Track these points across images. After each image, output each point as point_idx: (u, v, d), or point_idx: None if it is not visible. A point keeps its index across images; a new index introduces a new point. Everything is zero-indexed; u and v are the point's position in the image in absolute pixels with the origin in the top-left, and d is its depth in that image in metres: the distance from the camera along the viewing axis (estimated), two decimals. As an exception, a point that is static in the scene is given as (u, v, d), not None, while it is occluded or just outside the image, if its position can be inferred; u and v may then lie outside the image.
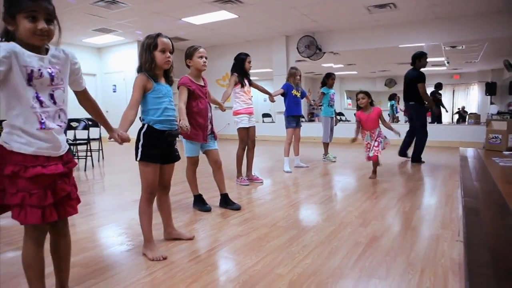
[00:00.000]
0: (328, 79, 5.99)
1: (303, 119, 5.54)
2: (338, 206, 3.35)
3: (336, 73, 6.28)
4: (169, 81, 2.34)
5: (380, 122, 4.42)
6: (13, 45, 1.32)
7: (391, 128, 4.50)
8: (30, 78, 1.35)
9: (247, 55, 4.23)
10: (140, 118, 2.29)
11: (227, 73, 10.64)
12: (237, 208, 3.22)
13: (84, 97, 1.69)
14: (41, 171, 1.38)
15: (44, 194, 1.40)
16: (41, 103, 1.39)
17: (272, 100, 4.77)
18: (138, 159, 2.22)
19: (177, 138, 2.42)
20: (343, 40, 9.00)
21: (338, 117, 6.73)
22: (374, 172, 4.54)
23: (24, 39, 1.36)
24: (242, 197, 3.70)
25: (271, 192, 3.96)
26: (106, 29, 8.59)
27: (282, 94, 5.15)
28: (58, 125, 1.46)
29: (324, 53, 9.31)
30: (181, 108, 2.91)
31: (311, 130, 9.04)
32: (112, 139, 1.94)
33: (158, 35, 2.23)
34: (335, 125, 6.24)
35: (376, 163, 4.50)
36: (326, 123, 6.02)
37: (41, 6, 1.36)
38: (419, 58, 5.54)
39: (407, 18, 7.82)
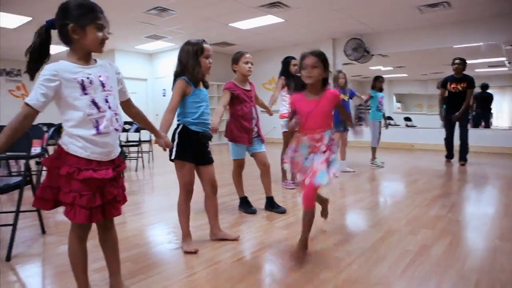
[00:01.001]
0: (376, 82, 5.86)
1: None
2: (386, 212, 3.26)
3: (384, 76, 6.12)
4: (206, 85, 2.42)
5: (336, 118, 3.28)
6: (57, 64, 1.44)
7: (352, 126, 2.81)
8: (84, 87, 1.47)
9: (292, 58, 4.24)
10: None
11: (273, 77, 10.71)
12: (282, 212, 3.22)
13: (129, 106, 1.79)
14: (92, 175, 1.47)
15: (93, 196, 1.50)
16: (98, 108, 1.49)
17: None
18: (173, 157, 2.31)
19: (210, 141, 2.47)
20: (393, 41, 8.74)
21: (387, 121, 6.51)
22: (323, 213, 2.74)
23: (89, 47, 1.50)
24: (287, 201, 3.70)
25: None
26: (157, 35, 8.96)
27: None
28: (115, 128, 1.55)
29: (372, 55, 9.09)
30: (219, 110, 3.01)
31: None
32: (156, 144, 2.04)
33: (203, 41, 2.32)
34: (386, 128, 6.08)
35: (321, 199, 2.70)
36: (375, 127, 5.87)
37: (106, 19, 1.53)
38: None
39: (461, 16, 7.44)
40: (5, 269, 2.13)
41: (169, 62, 10.89)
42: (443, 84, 6.02)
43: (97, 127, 1.48)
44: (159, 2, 6.35)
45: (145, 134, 6.38)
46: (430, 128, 8.55)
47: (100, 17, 1.50)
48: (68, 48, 1.52)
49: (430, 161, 6.43)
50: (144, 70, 11.45)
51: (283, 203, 3.57)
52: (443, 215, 3.07)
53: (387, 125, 6.13)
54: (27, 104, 1.37)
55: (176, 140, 2.31)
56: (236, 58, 3.13)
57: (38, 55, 1.49)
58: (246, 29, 8.35)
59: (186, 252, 2.29)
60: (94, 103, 1.48)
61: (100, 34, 1.50)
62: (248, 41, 9.60)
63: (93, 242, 2.24)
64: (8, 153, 3.92)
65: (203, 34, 8.69)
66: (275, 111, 4.00)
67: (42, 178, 4.17)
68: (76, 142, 1.47)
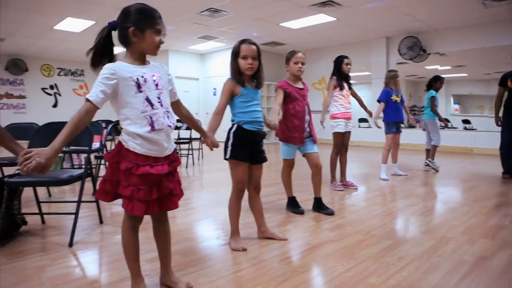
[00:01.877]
0: (436, 83, 5.60)
1: (403, 125, 5.24)
2: (440, 219, 3.10)
3: (443, 75, 5.82)
4: (258, 85, 2.40)
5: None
6: (115, 64, 1.55)
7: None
8: (139, 86, 1.55)
9: (345, 57, 4.17)
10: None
11: (323, 77, 10.57)
12: (330, 213, 3.18)
13: (179, 107, 1.85)
14: (148, 171, 1.55)
15: (150, 190, 1.57)
16: (151, 105, 1.57)
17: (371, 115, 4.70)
18: (227, 157, 2.35)
19: (264, 140, 2.48)
20: (453, 39, 8.26)
21: (443, 124, 6.15)
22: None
23: (146, 49, 1.60)
24: (335, 202, 3.64)
25: (366, 199, 3.82)
26: (209, 36, 9.18)
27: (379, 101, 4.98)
28: (168, 125, 1.62)
29: (429, 54, 8.67)
30: (275, 108, 3.04)
31: (411, 136, 8.49)
32: (204, 144, 2.13)
33: (242, 41, 2.31)
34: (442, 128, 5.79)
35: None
36: (434, 125, 5.63)
37: (164, 25, 1.62)
38: None
39: (532, 11, 6.89)
40: (68, 254, 2.29)
41: (220, 62, 11.11)
42: (502, 82, 5.04)
43: (151, 124, 1.56)
44: (212, 3, 6.50)
45: (195, 132, 6.58)
46: (491, 131, 8.00)
47: (158, 23, 1.59)
48: (124, 50, 1.62)
49: (491, 166, 6.02)
50: (196, 70, 11.79)
51: (331, 204, 3.52)
52: (506, 225, 2.87)
53: (445, 123, 5.77)
54: (87, 100, 1.46)
55: (231, 140, 2.34)
56: (288, 58, 3.15)
57: (100, 55, 1.58)
58: (297, 29, 8.32)
59: (234, 249, 2.33)
60: (148, 100, 1.56)
61: (157, 38, 1.58)
62: (298, 40, 9.55)
63: (146, 234, 2.36)
64: (71, 147, 4.22)
65: (254, 34, 8.77)
66: (321, 111, 3.97)
67: (100, 171, 4.45)
68: (134, 140, 1.55)
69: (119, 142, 1.59)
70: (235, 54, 2.30)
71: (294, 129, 3.14)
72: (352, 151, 4.25)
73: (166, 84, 1.69)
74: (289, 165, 3.31)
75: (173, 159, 1.68)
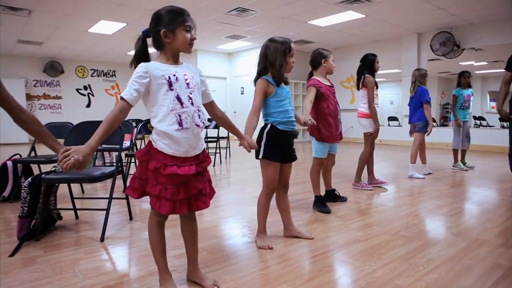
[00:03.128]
0: (461, 78, 5.41)
1: (434, 124, 5.09)
2: (473, 221, 2.99)
3: (478, 71, 5.61)
4: (286, 82, 2.40)
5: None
6: (149, 63, 1.59)
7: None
8: (170, 84, 1.58)
9: (375, 55, 4.10)
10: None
11: (352, 75, 10.41)
12: (345, 200, 3.55)
13: (213, 109, 1.87)
14: (175, 171, 1.58)
15: (177, 190, 1.60)
16: (181, 103, 1.59)
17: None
18: (260, 156, 2.34)
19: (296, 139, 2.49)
20: (489, 33, 7.92)
21: (478, 122, 5.91)
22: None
23: (179, 48, 1.64)
24: (361, 202, 3.59)
25: (394, 199, 3.74)
26: (237, 35, 9.24)
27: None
28: (196, 124, 1.63)
29: (463, 50, 8.36)
30: (306, 105, 3.04)
31: (443, 135, 8.24)
32: (241, 146, 2.13)
33: (290, 40, 2.33)
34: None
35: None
36: (457, 127, 5.43)
37: (193, 21, 1.65)
38: None
39: None
40: (100, 248, 2.38)
41: (247, 61, 11.16)
42: (509, 66, 3.85)
43: (180, 122, 1.58)
44: (240, 2, 6.54)
45: (223, 131, 6.64)
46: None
47: (187, 20, 1.62)
48: (158, 52, 1.67)
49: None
50: (224, 69, 11.89)
51: (357, 204, 3.48)
52: (544, 228, 2.74)
53: (458, 124, 5.45)
54: (122, 99, 1.51)
55: (264, 140, 2.33)
56: (326, 54, 3.21)
57: (138, 62, 1.63)
58: (325, 26, 8.23)
59: (260, 248, 2.34)
60: (178, 98, 1.59)
61: (188, 35, 1.62)
62: (326, 38, 9.45)
63: (174, 230, 2.41)
64: (104, 146, 4.37)
65: (282, 32, 8.76)
66: (352, 109, 3.91)
67: (130, 169, 4.57)
68: (163, 140, 1.58)
69: (149, 142, 1.64)
70: (287, 51, 2.28)
71: (330, 128, 3.20)
72: (381, 150, 4.18)
73: (198, 84, 1.71)
74: (320, 163, 3.34)
75: (202, 159, 1.70)
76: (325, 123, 3.19)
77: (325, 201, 3.35)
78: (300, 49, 10.54)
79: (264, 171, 2.38)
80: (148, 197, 1.66)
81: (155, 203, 1.61)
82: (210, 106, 1.85)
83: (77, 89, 12.58)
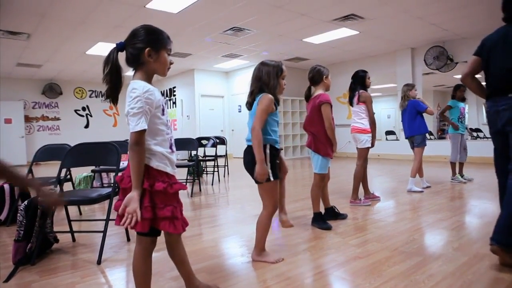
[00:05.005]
0: (456, 91, 5.44)
1: (431, 137, 5.10)
2: (473, 234, 2.97)
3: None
4: (278, 103, 2.40)
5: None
6: (146, 85, 1.53)
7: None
8: (163, 109, 1.60)
9: (365, 71, 4.16)
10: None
11: (348, 91, 10.47)
12: (345, 217, 3.49)
13: None
14: (180, 188, 1.60)
15: (179, 207, 1.63)
16: (168, 128, 1.63)
17: None
18: (272, 178, 2.28)
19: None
20: (480, 47, 8.01)
21: (475, 134, 5.92)
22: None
23: (159, 70, 1.61)
24: (359, 218, 3.56)
25: (393, 214, 3.72)
26: (233, 54, 9.33)
27: (419, 112, 4.88)
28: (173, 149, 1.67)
29: (457, 63, 8.46)
30: (331, 128, 3.20)
31: (441, 148, 8.25)
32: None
33: (281, 63, 2.39)
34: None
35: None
36: (455, 140, 5.43)
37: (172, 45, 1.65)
38: None
39: None
40: (97, 271, 2.34)
41: (244, 79, 11.25)
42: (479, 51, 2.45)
43: (170, 146, 1.62)
44: (235, 22, 6.63)
45: (221, 149, 6.64)
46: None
47: (170, 43, 1.63)
48: (133, 70, 1.60)
49: None
50: (221, 88, 11.97)
51: (356, 220, 3.46)
52: (545, 240, 2.71)
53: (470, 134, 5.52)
54: (140, 131, 1.46)
55: (269, 162, 2.29)
56: (326, 72, 3.30)
57: (116, 78, 1.55)
58: (319, 43, 8.34)
59: (275, 262, 2.36)
60: (167, 124, 1.63)
61: (168, 58, 1.62)
62: (321, 55, 9.55)
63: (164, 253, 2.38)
64: (101, 167, 4.35)
65: (277, 50, 8.86)
66: (346, 125, 3.93)
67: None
68: (160, 160, 1.57)
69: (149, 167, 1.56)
70: (279, 73, 2.34)
71: (330, 143, 3.25)
72: (378, 164, 4.16)
73: None
74: (323, 179, 3.35)
75: None
76: (328, 140, 3.24)
77: (326, 218, 3.33)
78: (295, 66, 10.64)
79: (269, 193, 2.32)
80: None
81: (168, 225, 1.55)
82: None
83: (75, 110, 12.62)
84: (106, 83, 1.55)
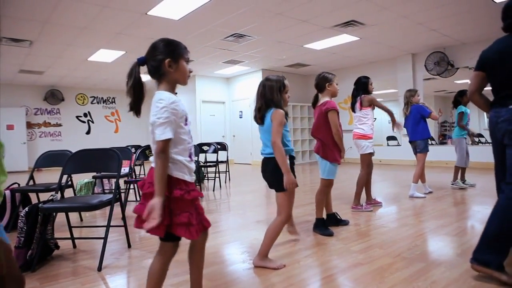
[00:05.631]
0: (463, 97, 5.43)
1: (432, 142, 5.07)
2: (476, 240, 2.90)
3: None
4: (287, 115, 2.55)
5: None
6: (172, 96, 1.58)
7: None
8: (186, 119, 1.64)
9: (368, 77, 4.17)
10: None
11: (349, 96, 10.47)
12: (347, 223, 3.48)
13: None
14: (197, 195, 1.63)
15: (197, 213, 1.64)
16: (189, 137, 1.66)
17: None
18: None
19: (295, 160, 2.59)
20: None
21: (477, 139, 5.90)
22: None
23: (180, 79, 1.66)
24: (361, 224, 3.54)
25: (396, 219, 3.70)
26: (234, 60, 9.36)
27: (423, 117, 4.88)
28: (193, 158, 1.70)
29: (458, 68, 8.46)
30: (339, 135, 3.21)
31: (442, 153, 8.23)
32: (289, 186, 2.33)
33: (284, 78, 2.49)
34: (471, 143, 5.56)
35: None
36: (462, 145, 5.42)
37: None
38: None
39: None
40: (97, 278, 2.33)
41: (245, 85, 11.28)
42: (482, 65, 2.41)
43: (190, 155, 1.65)
44: (237, 29, 6.66)
45: (222, 155, 6.63)
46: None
47: (187, 52, 1.68)
48: (157, 82, 1.65)
49: None
50: (223, 94, 11.99)
51: (358, 226, 3.44)
52: (548, 246, 2.68)
53: (472, 140, 5.47)
54: (166, 140, 1.51)
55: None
56: (331, 78, 3.31)
57: (139, 92, 1.61)
58: (320, 49, 8.36)
59: (276, 268, 2.36)
60: (189, 133, 1.66)
61: (188, 67, 1.67)
62: (322, 61, 9.57)
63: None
64: (102, 173, 4.35)
65: (278, 56, 8.89)
66: (348, 131, 3.92)
67: (129, 196, 4.51)
68: (181, 169, 1.60)
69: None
70: (282, 88, 2.43)
71: (340, 150, 3.27)
72: (380, 170, 4.16)
73: None
74: (330, 185, 3.36)
75: None
76: (336, 146, 3.25)
77: (327, 224, 3.32)
78: (297, 72, 10.66)
79: (286, 202, 2.40)
80: None
81: (184, 231, 1.57)
82: None
83: (77, 116, 12.64)
84: (129, 96, 1.61)
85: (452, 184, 5.45)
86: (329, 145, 3.24)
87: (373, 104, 4.11)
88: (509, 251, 2.04)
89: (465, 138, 5.46)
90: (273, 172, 2.36)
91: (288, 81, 2.49)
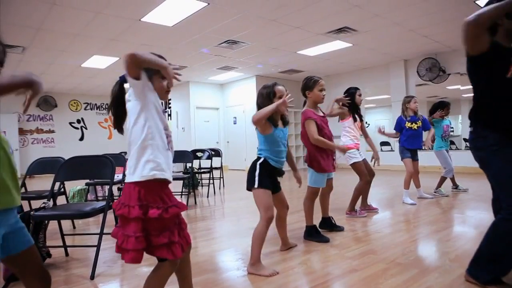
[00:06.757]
0: (436, 111, 5.40)
1: (426, 148, 5.05)
2: (469, 245, 2.95)
3: (464, 95, 5.64)
4: (285, 123, 2.59)
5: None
6: None
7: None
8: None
9: (357, 88, 4.15)
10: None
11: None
12: (342, 229, 3.46)
13: None
14: (177, 211, 1.53)
15: (179, 228, 1.58)
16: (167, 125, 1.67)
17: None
18: (256, 186, 2.44)
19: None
20: (472, 59, 8.11)
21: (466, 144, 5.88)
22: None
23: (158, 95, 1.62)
24: (357, 230, 3.54)
25: (390, 225, 3.71)
26: (228, 66, 9.38)
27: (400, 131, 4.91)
28: None
29: (449, 74, 8.55)
30: (320, 140, 3.10)
31: (435, 158, 8.27)
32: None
33: (275, 84, 2.49)
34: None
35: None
36: (443, 155, 5.33)
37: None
38: None
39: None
40: (90, 287, 2.30)
41: (239, 91, 11.30)
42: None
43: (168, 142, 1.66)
44: (230, 35, 6.68)
45: (216, 161, 6.62)
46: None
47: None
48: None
49: None
50: (216, 100, 11.99)
51: (353, 232, 3.44)
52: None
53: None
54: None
55: (258, 170, 2.49)
56: (311, 85, 3.15)
57: (117, 110, 1.59)
58: (314, 56, 8.41)
59: (269, 275, 2.34)
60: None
61: (165, 83, 1.61)
62: (316, 67, 9.63)
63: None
64: (95, 180, 4.32)
65: (272, 63, 8.92)
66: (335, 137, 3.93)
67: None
68: (154, 157, 1.54)
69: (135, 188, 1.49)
70: (271, 95, 2.45)
71: (328, 158, 3.20)
72: (375, 175, 4.17)
73: None
74: (316, 192, 3.30)
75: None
76: (324, 155, 3.18)
77: (320, 229, 3.31)
78: (290, 78, 10.71)
79: (259, 200, 2.44)
80: None
81: (167, 252, 1.47)
82: None
83: (70, 123, 12.57)
84: (111, 114, 1.60)
85: (435, 193, 5.34)
86: (313, 154, 3.17)
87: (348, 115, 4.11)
88: (503, 272, 2.02)
89: (447, 149, 5.40)
90: (248, 172, 2.53)
91: (282, 94, 2.45)
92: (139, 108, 1.50)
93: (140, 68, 1.47)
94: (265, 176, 2.47)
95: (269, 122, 2.44)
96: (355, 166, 4.05)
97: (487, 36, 1.90)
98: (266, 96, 2.46)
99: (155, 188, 1.50)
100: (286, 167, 2.72)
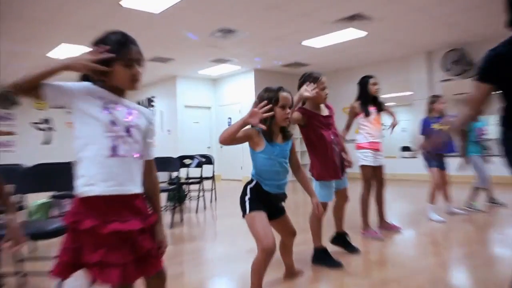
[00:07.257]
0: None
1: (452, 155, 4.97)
2: (510, 270, 2.88)
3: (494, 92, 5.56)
4: (287, 137, 2.40)
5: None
6: None
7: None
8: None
9: (370, 76, 4.07)
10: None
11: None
12: (356, 251, 3.34)
13: None
14: (118, 228, 1.46)
15: (123, 251, 1.48)
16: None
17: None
18: (247, 212, 2.33)
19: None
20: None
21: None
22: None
23: (120, 85, 1.66)
24: (373, 252, 3.47)
25: (413, 246, 3.65)
26: (223, 59, 9.36)
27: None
28: None
29: (479, 69, 8.55)
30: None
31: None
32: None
33: (279, 89, 2.31)
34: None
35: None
36: (475, 162, 5.18)
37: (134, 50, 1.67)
38: None
39: None
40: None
41: (235, 88, 11.26)
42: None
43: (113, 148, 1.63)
44: (225, 23, 6.65)
45: (207, 170, 6.53)
46: None
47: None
48: None
49: None
50: (208, 97, 11.96)
51: (368, 255, 3.38)
52: None
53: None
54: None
55: (248, 195, 2.37)
56: (307, 83, 3.03)
57: None
58: (320, 47, 8.39)
59: None
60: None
61: (129, 71, 1.60)
62: (324, 60, 9.61)
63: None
64: (61, 192, 4.22)
65: (274, 55, 8.90)
66: (350, 140, 3.86)
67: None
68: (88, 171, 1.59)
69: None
70: (273, 101, 2.26)
71: (327, 163, 3.11)
72: (394, 186, 4.12)
73: None
74: (324, 208, 3.17)
75: (146, 214, 1.61)
76: (321, 159, 3.12)
77: (332, 244, 3.27)
78: (294, 72, 10.69)
79: (253, 229, 2.30)
80: None
81: (99, 273, 1.43)
82: None
83: (34, 123, 12.46)
84: None
85: (467, 207, 5.18)
86: (311, 159, 3.18)
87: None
88: None
89: (479, 155, 5.31)
90: (240, 197, 2.41)
91: (287, 87, 2.37)
92: (73, 119, 1.58)
93: (32, 89, 1.54)
94: (257, 201, 2.35)
95: (261, 135, 2.30)
96: (362, 169, 4.05)
97: None
98: (267, 101, 2.25)
99: (97, 203, 1.49)
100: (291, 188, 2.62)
